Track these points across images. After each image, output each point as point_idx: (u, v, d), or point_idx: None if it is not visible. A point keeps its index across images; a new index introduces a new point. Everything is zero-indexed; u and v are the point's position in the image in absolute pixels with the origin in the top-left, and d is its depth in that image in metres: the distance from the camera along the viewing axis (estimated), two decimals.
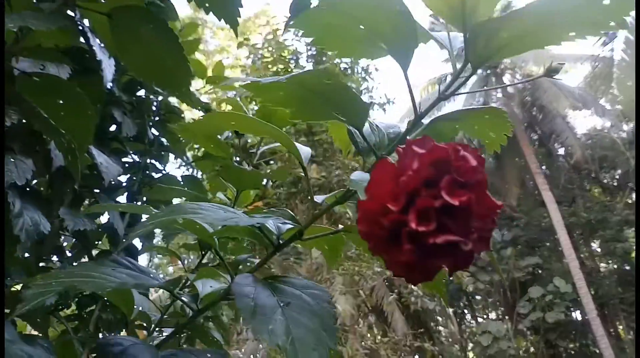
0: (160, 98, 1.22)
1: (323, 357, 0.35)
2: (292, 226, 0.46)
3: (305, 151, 0.49)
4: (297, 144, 0.48)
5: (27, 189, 0.82)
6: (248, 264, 0.76)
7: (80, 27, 0.83)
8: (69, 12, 0.76)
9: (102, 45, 0.84)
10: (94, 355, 0.37)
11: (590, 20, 0.34)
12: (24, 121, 0.80)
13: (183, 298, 0.47)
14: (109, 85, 1.04)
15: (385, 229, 0.26)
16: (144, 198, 1.12)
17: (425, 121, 0.45)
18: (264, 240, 0.46)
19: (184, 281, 0.74)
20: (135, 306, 0.55)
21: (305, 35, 0.40)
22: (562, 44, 0.37)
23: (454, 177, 0.25)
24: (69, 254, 1.00)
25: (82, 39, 0.83)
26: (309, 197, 0.46)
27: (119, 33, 0.68)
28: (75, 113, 0.68)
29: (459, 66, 0.40)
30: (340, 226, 0.47)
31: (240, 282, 0.39)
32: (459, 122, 0.48)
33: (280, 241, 0.46)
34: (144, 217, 0.91)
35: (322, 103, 0.39)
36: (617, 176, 12.53)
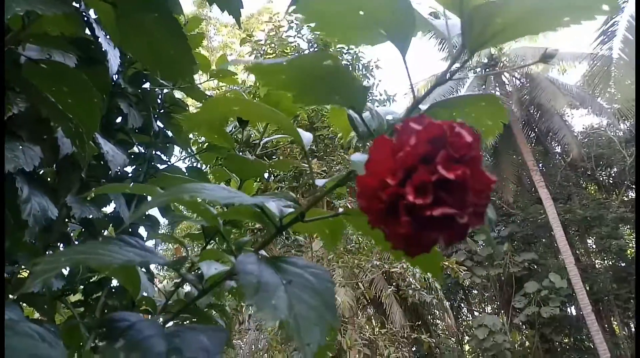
0: (165, 91, 1.24)
1: (324, 332, 0.37)
2: (294, 208, 0.48)
3: (306, 136, 0.51)
4: (299, 130, 0.49)
5: (35, 176, 0.83)
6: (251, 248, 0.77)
7: (86, 18, 0.84)
8: (74, 4, 0.77)
9: (107, 36, 0.85)
10: (101, 330, 0.39)
11: (583, 4, 0.35)
12: (31, 109, 0.81)
13: (188, 277, 0.49)
14: (115, 77, 1.06)
15: (383, 203, 0.27)
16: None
17: (423, 107, 0.47)
18: (267, 221, 0.48)
19: (189, 264, 0.75)
20: (141, 290, 0.56)
21: (305, 21, 0.42)
22: (557, 29, 0.39)
23: (450, 152, 0.27)
24: (75, 242, 1.02)
25: (87, 31, 0.85)
26: (311, 181, 0.47)
27: (123, 22, 0.69)
28: (81, 100, 0.69)
29: (455, 51, 0.41)
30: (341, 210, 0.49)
31: (244, 260, 0.41)
32: (455, 109, 0.49)
33: (283, 224, 0.48)
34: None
35: (322, 86, 0.40)
36: (613, 174, 12.61)
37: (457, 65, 0.41)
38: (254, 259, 0.42)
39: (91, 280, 1.02)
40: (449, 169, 0.26)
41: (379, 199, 0.27)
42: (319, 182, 0.48)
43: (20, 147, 0.78)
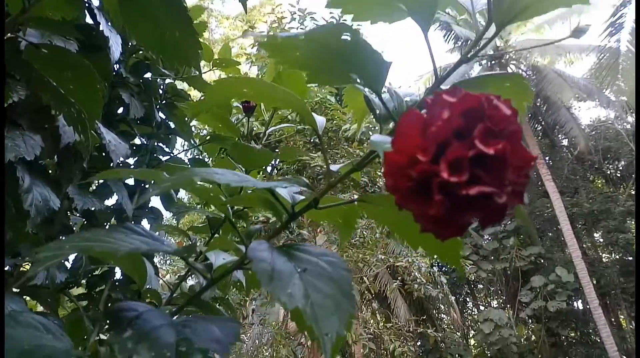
0: (167, 81, 1.22)
1: (343, 321, 0.35)
2: (307, 195, 0.45)
3: (319, 119, 0.48)
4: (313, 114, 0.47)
5: (36, 166, 0.81)
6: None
7: (87, 3, 0.82)
8: None
9: (109, 23, 0.83)
10: (108, 320, 0.37)
11: None
12: (31, 98, 0.79)
13: (197, 266, 0.46)
14: (116, 66, 1.04)
15: (413, 181, 0.25)
16: (152, 181, 1.12)
17: (444, 87, 0.44)
18: (279, 209, 0.45)
19: (196, 254, 0.73)
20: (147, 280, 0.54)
21: None
22: (590, 3, 0.36)
23: (488, 125, 0.24)
24: None
25: (88, 18, 0.82)
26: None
27: (126, 5, 0.66)
28: (83, 87, 0.67)
29: (482, 26, 0.39)
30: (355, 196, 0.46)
31: (256, 248, 0.38)
32: (478, 89, 0.46)
33: (295, 211, 0.46)
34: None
35: (339, 64, 0.37)
36: (621, 168, 12.50)
37: (482, 43, 0.39)
38: (266, 246, 0.39)
39: (94, 273, 1.01)
40: (487, 143, 0.24)
41: (408, 177, 0.25)
42: (334, 167, 0.46)
43: (21, 136, 0.77)
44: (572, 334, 11.32)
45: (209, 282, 0.46)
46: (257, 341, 6.40)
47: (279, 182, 0.40)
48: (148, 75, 1.15)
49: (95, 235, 0.40)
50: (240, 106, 1.00)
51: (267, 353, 6.16)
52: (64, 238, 0.97)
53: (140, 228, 0.44)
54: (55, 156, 0.92)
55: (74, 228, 1.00)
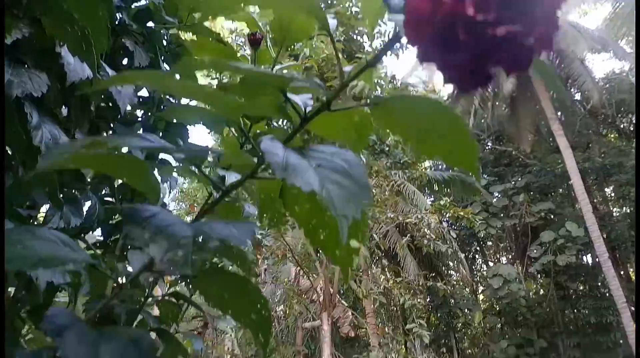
0: (171, 32, 1.19)
1: (359, 207, 0.34)
2: (319, 98, 0.44)
3: (331, 22, 0.46)
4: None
5: (44, 105, 0.80)
6: None
7: None
8: None
9: None
10: (125, 217, 0.37)
11: None
12: (35, 36, 0.77)
13: (210, 177, 0.46)
14: (119, 15, 1.02)
15: (437, 26, 0.23)
16: (160, 133, 1.12)
17: None
18: (290, 114, 0.44)
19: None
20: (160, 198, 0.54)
21: None
22: None
23: None
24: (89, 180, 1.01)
25: None
26: (338, 70, 0.43)
27: None
28: (86, 13, 0.65)
29: None
30: None
31: (270, 143, 0.38)
32: None
33: (308, 115, 0.45)
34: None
35: None
36: (634, 120, 12.23)
37: None
38: (279, 144, 0.39)
39: (109, 222, 1.02)
40: None
41: (431, 23, 0.23)
42: (346, 69, 0.44)
43: (27, 73, 0.75)
44: (581, 287, 11.47)
45: (223, 192, 0.46)
46: (270, 299, 6.59)
47: (292, 75, 0.39)
48: (151, 25, 1.12)
49: (107, 138, 0.39)
50: (246, 57, 0.97)
51: (280, 310, 6.35)
52: (75, 191, 0.98)
53: (151, 137, 0.44)
54: (64, 106, 0.92)
55: (85, 176, 1.01)
